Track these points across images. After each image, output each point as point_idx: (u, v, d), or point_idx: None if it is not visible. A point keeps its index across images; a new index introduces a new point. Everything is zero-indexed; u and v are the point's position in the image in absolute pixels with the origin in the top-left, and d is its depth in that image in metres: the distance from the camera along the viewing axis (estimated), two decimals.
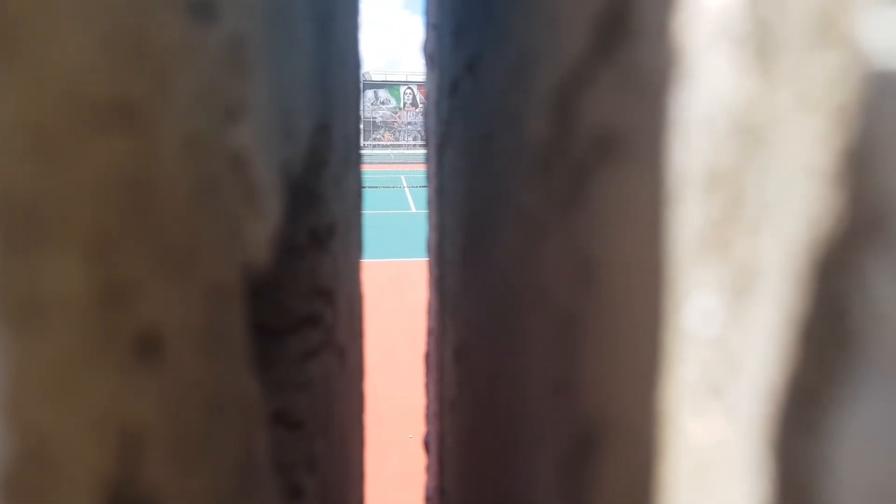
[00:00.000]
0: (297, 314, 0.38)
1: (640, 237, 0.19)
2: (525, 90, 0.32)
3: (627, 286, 0.21)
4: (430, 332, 0.74)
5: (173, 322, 0.20)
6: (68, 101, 0.16)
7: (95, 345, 0.17)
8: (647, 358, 0.19)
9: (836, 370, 0.12)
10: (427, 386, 0.78)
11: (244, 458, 0.26)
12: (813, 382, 0.13)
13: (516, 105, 0.34)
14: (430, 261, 0.69)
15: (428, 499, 0.79)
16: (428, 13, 0.68)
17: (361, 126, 0.58)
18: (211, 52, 0.22)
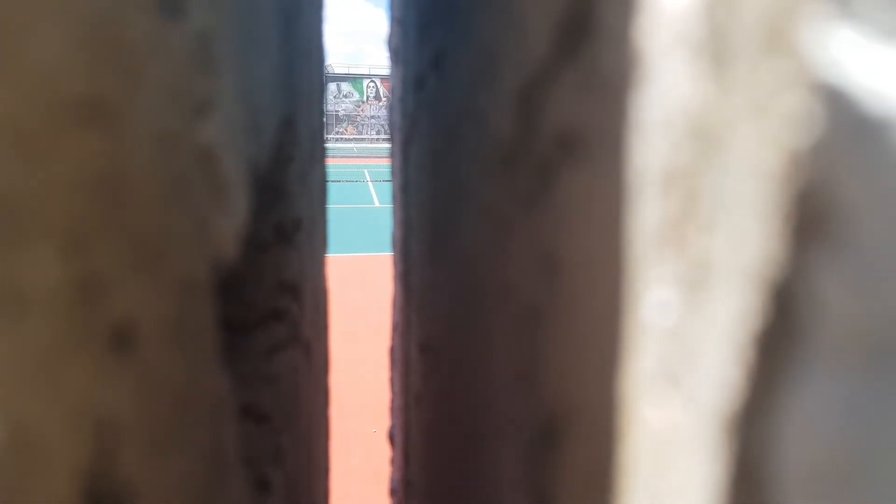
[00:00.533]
0: (263, 309, 0.38)
1: (601, 234, 0.20)
2: (490, 88, 0.33)
3: (589, 281, 0.21)
4: (394, 327, 0.74)
5: (146, 316, 0.20)
6: (44, 99, 0.16)
7: (72, 337, 0.17)
8: (607, 349, 0.20)
9: (783, 358, 0.13)
10: (392, 380, 0.78)
11: (214, 451, 0.26)
12: (763, 370, 0.14)
13: (481, 103, 0.35)
14: (394, 256, 0.69)
15: (393, 491, 0.79)
16: (392, 8, 0.68)
17: (325, 120, 0.58)
18: (179, 48, 0.22)
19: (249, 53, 0.31)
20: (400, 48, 0.64)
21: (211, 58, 0.25)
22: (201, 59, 0.24)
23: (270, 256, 0.40)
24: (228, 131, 0.27)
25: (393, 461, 0.79)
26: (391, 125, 0.69)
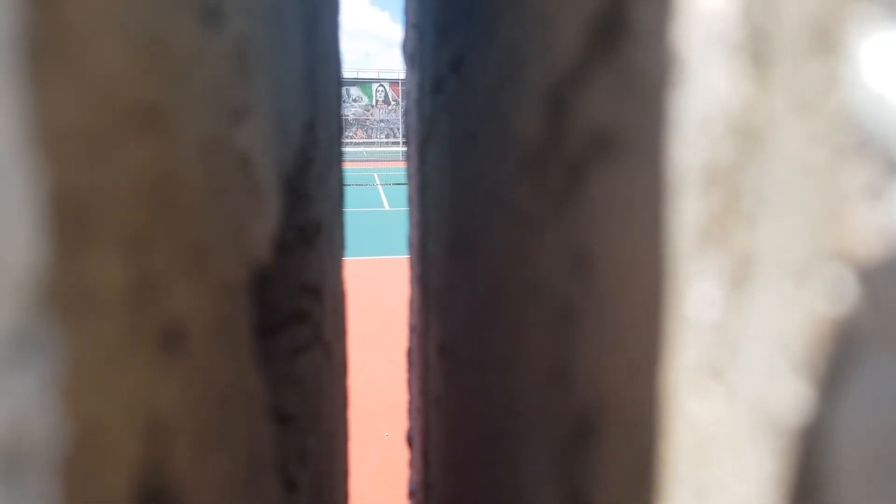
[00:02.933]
0: (287, 310, 0.39)
1: (638, 229, 0.21)
2: (515, 89, 0.33)
3: (626, 276, 0.22)
4: (412, 329, 0.75)
5: (193, 316, 0.21)
6: (107, 105, 0.16)
7: (129, 337, 0.18)
8: (647, 343, 0.20)
9: (836, 350, 0.13)
10: (409, 382, 0.78)
11: (252, 451, 0.27)
12: (812, 362, 0.14)
13: (506, 104, 0.35)
14: (411, 258, 0.69)
15: (412, 493, 0.79)
16: (407, 13, 0.68)
17: (342, 123, 0.59)
18: (219, 55, 0.22)
19: (279, 59, 0.31)
20: (416, 52, 0.65)
21: (246, 64, 0.25)
22: (238, 65, 0.24)
23: (293, 259, 0.40)
24: (262, 135, 0.27)
25: (411, 463, 0.79)
26: (407, 128, 0.70)
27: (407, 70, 0.70)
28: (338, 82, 0.56)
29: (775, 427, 0.15)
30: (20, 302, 0.13)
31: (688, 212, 0.18)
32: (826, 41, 0.13)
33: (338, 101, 0.56)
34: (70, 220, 0.15)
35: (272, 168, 0.30)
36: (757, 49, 0.15)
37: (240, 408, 0.26)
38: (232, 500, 0.25)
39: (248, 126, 0.25)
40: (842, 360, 0.13)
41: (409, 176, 0.71)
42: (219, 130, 0.22)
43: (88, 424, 0.16)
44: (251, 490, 0.28)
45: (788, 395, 0.14)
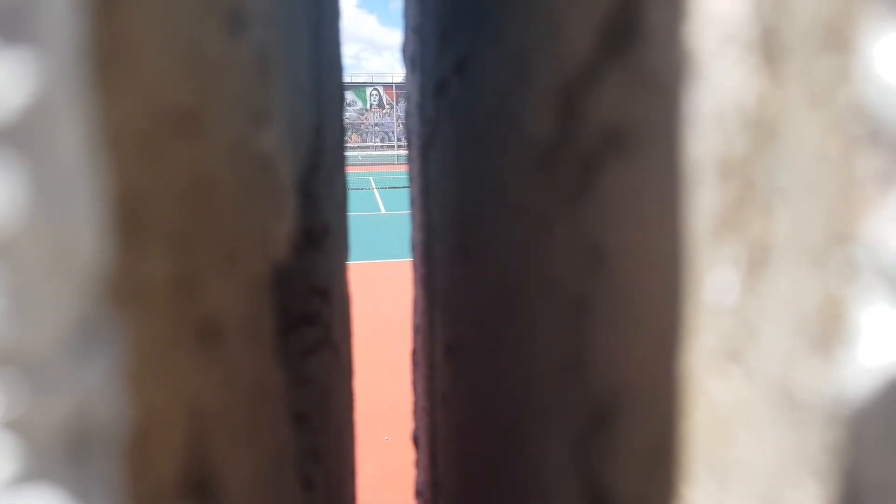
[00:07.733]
0: (298, 311, 0.39)
1: (654, 222, 0.21)
2: (524, 91, 0.34)
3: (642, 267, 0.22)
4: (416, 330, 0.75)
5: (226, 313, 0.22)
6: (154, 110, 0.17)
7: (174, 330, 0.19)
8: (664, 330, 0.21)
9: (848, 324, 0.14)
10: (414, 382, 0.79)
11: (275, 447, 0.28)
12: (828, 338, 0.15)
13: (514, 105, 0.36)
14: (415, 259, 0.70)
15: (418, 493, 0.80)
16: (406, 17, 0.69)
17: (344, 128, 0.60)
18: (243, 61, 0.23)
19: (292, 65, 0.32)
20: (417, 56, 0.65)
21: (266, 70, 0.26)
22: (259, 71, 0.25)
23: (303, 261, 0.41)
24: (281, 138, 0.28)
25: (418, 463, 0.80)
26: (408, 131, 0.70)
27: (407, 73, 0.70)
28: (340, 87, 0.57)
29: (793, 402, 0.15)
30: (88, 294, 0.14)
31: (704, 203, 0.19)
32: (837, 39, 0.14)
33: (340, 106, 0.57)
34: (127, 217, 0.16)
35: (289, 171, 0.31)
36: (769, 47, 0.16)
37: (265, 405, 0.26)
38: (260, 495, 0.26)
39: (270, 130, 0.26)
40: (856, 333, 0.14)
41: (411, 178, 0.71)
42: (245, 134, 0.23)
43: (145, 411, 0.17)
44: (275, 486, 0.28)
45: (806, 371, 0.15)
